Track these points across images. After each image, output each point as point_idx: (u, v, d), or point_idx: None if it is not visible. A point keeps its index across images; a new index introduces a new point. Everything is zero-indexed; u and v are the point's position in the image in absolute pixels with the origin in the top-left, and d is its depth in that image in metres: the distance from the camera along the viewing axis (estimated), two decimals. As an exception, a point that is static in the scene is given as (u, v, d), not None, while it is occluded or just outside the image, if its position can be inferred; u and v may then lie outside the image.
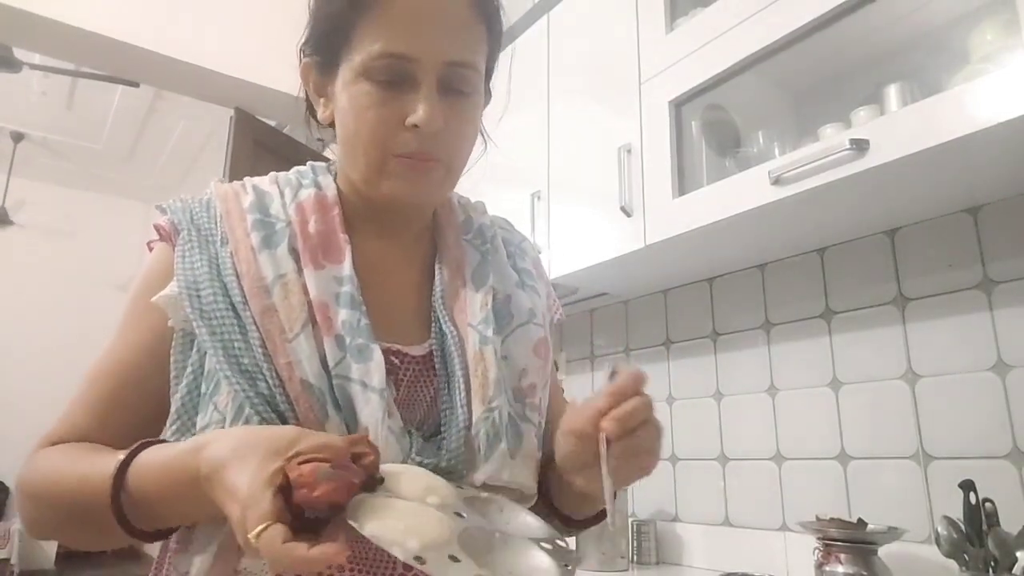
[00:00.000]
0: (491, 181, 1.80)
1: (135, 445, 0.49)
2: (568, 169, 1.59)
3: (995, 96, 0.87)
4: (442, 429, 0.54)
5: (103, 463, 0.48)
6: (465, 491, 0.46)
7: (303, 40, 0.62)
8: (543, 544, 0.42)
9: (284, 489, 0.37)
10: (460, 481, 0.52)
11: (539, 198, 1.64)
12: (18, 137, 4.26)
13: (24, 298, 4.52)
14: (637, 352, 1.75)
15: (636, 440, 0.48)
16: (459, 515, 0.41)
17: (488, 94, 0.65)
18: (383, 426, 0.50)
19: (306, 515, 0.37)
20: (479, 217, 0.69)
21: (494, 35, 0.61)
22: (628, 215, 1.37)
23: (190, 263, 0.55)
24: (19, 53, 3.32)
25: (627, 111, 1.42)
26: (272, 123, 2.57)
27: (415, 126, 0.54)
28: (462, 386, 0.54)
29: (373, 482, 0.41)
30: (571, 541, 0.44)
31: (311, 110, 0.64)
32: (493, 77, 0.66)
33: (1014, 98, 0.85)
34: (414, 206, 0.61)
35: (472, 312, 0.58)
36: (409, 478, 0.43)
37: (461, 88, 0.57)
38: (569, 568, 0.40)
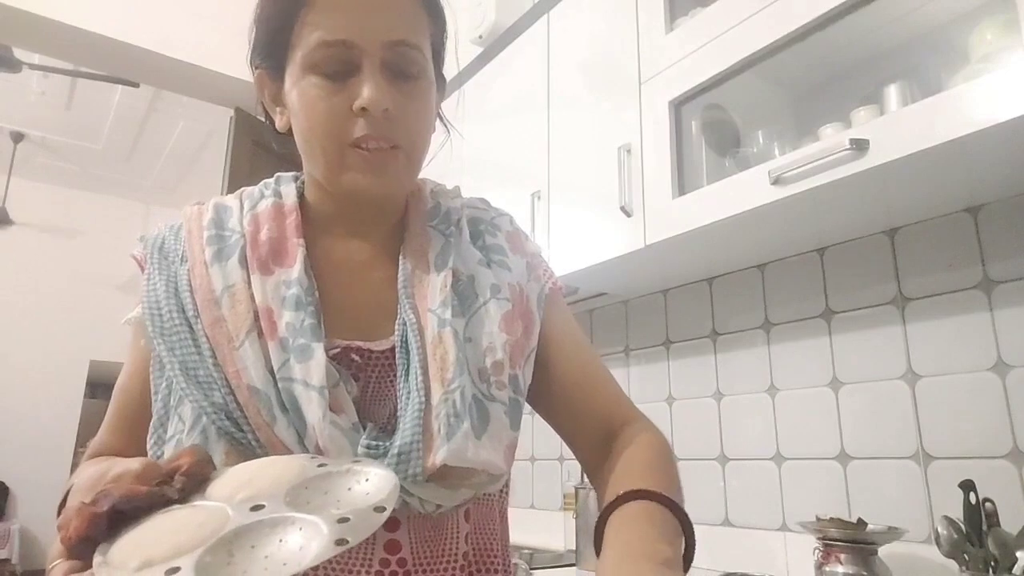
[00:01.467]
0: (491, 181, 1.80)
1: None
2: (568, 169, 1.59)
3: (995, 96, 0.87)
4: (398, 415, 0.54)
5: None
6: (329, 467, 0.44)
7: (250, 51, 0.62)
8: (346, 517, 0.38)
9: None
10: (413, 471, 0.50)
11: (539, 198, 1.64)
12: (18, 137, 4.26)
13: (24, 298, 4.52)
14: (637, 352, 1.75)
15: None
16: (258, 507, 0.39)
17: (442, 81, 0.65)
18: (325, 423, 0.50)
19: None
20: (448, 202, 0.68)
21: (436, 19, 0.61)
22: (628, 215, 1.36)
23: (152, 285, 0.57)
24: (19, 53, 3.32)
25: (627, 111, 1.42)
26: (272, 123, 2.57)
27: (363, 109, 0.54)
28: (418, 370, 0.54)
29: (172, 494, 0.40)
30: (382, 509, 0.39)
31: (270, 121, 0.64)
32: (444, 64, 0.65)
33: (1014, 98, 0.85)
34: (379, 198, 0.60)
35: (432, 297, 0.58)
36: (232, 477, 0.42)
37: (407, 69, 0.57)
38: (346, 542, 0.36)
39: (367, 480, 0.41)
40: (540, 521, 1.82)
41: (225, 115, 2.50)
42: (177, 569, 0.34)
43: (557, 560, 1.54)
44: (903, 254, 1.24)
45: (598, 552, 0.51)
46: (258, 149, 2.36)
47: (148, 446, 0.55)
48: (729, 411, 1.49)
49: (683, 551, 0.52)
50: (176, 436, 0.53)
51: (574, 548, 1.49)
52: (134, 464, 0.41)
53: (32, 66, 3.43)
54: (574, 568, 1.46)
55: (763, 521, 1.38)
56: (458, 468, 0.51)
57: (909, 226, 1.24)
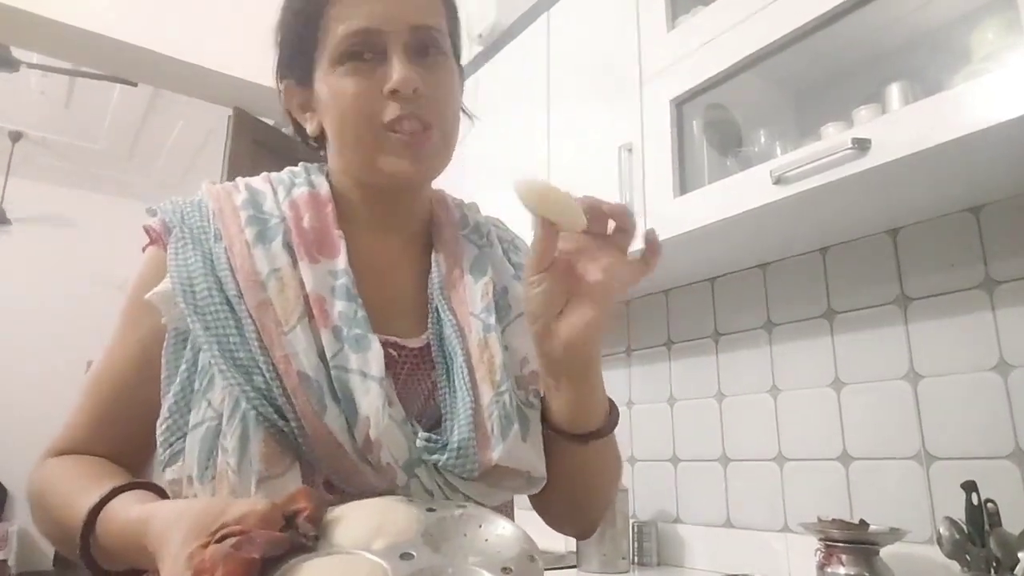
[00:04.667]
0: (491, 181, 1.80)
1: (106, 494, 0.48)
2: (569, 168, 1.59)
3: (997, 95, 0.87)
4: (444, 416, 0.54)
5: (84, 499, 0.48)
6: (440, 511, 0.43)
7: (276, 67, 0.64)
8: (507, 567, 0.38)
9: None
10: (470, 466, 0.51)
11: (539, 198, 1.63)
12: (16, 136, 4.25)
13: (22, 298, 4.50)
14: (639, 352, 1.75)
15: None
16: (407, 555, 0.38)
17: (460, 70, 0.66)
18: (384, 414, 0.50)
19: None
20: (474, 215, 0.70)
21: (449, 8, 0.63)
22: (629, 215, 1.36)
23: (183, 259, 0.55)
24: (17, 52, 3.31)
25: (628, 110, 1.42)
26: (271, 122, 2.57)
27: (394, 91, 0.55)
28: (465, 371, 0.54)
29: (304, 543, 0.39)
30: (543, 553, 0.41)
31: (300, 132, 0.65)
32: (460, 56, 0.67)
33: (1016, 97, 0.85)
34: (416, 184, 0.61)
35: (472, 301, 0.59)
36: (357, 521, 0.41)
37: (431, 50, 0.58)
38: None
39: (480, 526, 0.42)
40: (540, 522, 1.81)
41: (224, 114, 2.49)
42: None
43: (558, 562, 1.54)
44: (905, 254, 1.24)
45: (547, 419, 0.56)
46: (257, 148, 2.36)
47: (159, 432, 0.53)
48: (731, 412, 1.49)
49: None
50: (205, 424, 0.50)
51: (575, 550, 1.49)
52: (258, 506, 0.39)
53: (30, 65, 3.42)
54: (575, 570, 1.46)
55: (765, 522, 1.37)
56: (506, 468, 0.52)
57: (911, 226, 1.23)
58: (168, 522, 0.41)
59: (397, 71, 0.55)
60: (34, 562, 4.19)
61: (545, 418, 0.56)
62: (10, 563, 3.93)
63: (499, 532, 0.42)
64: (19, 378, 4.39)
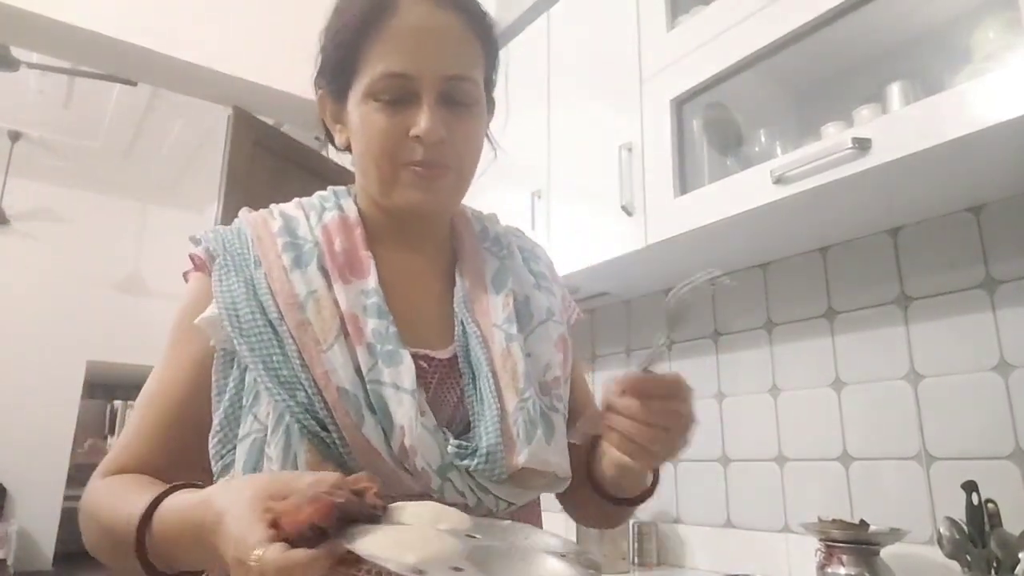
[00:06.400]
0: (491, 180, 1.79)
1: (164, 490, 0.50)
2: (569, 168, 1.59)
3: (998, 95, 0.87)
4: (473, 422, 0.58)
5: (139, 502, 0.50)
6: (484, 521, 0.46)
7: (316, 73, 0.67)
8: (563, 554, 0.41)
9: (274, 524, 0.38)
10: (499, 470, 0.55)
11: (539, 197, 1.63)
12: (15, 136, 4.24)
13: (21, 297, 4.50)
14: (638, 352, 1.74)
15: (650, 412, 0.54)
16: (472, 536, 0.41)
17: (492, 104, 0.70)
18: (417, 424, 0.53)
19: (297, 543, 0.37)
20: (494, 227, 0.74)
21: (489, 50, 0.66)
22: (629, 214, 1.36)
23: (227, 286, 0.59)
24: (17, 52, 3.31)
25: (628, 109, 1.42)
26: (270, 122, 2.56)
27: (418, 137, 0.59)
28: (490, 380, 0.58)
29: (373, 512, 0.41)
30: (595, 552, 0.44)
31: (329, 138, 0.69)
32: (495, 89, 0.70)
33: (1017, 97, 0.85)
34: (430, 214, 0.65)
35: (495, 313, 0.63)
36: (417, 510, 0.44)
37: (461, 100, 0.62)
38: (592, 573, 0.40)
39: (527, 538, 0.44)
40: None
41: (223, 114, 2.49)
42: (460, 569, 0.35)
43: (557, 561, 1.54)
44: (906, 254, 1.24)
45: (588, 469, 0.65)
46: (257, 148, 2.35)
47: (211, 445, 0.56)
48: (731, 412, 1.49)
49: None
50: (252, 435, 0.55)
51: (596, 559, 1.49)
52: (328, 476, 0.42)
53: (30, 65, 3.42)
54: (575, 569, 1.46)
55: (765, 522, 1.37)
56: (532, 470, 0.56)
57: (912, 225, 1.23)
58: (232, 493, 0.43)
59: (425, 120, 0.58)
60: (34, 562, 4.19)
61: (589, 474, 0.63)
62: (9, 563, 3.93)
63: (547, 541, 0.45)
64: (17, 377, 4.38)
